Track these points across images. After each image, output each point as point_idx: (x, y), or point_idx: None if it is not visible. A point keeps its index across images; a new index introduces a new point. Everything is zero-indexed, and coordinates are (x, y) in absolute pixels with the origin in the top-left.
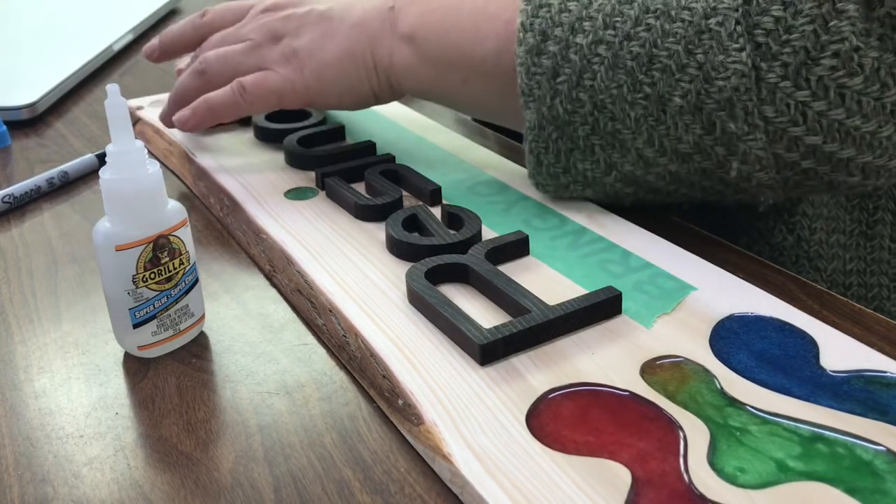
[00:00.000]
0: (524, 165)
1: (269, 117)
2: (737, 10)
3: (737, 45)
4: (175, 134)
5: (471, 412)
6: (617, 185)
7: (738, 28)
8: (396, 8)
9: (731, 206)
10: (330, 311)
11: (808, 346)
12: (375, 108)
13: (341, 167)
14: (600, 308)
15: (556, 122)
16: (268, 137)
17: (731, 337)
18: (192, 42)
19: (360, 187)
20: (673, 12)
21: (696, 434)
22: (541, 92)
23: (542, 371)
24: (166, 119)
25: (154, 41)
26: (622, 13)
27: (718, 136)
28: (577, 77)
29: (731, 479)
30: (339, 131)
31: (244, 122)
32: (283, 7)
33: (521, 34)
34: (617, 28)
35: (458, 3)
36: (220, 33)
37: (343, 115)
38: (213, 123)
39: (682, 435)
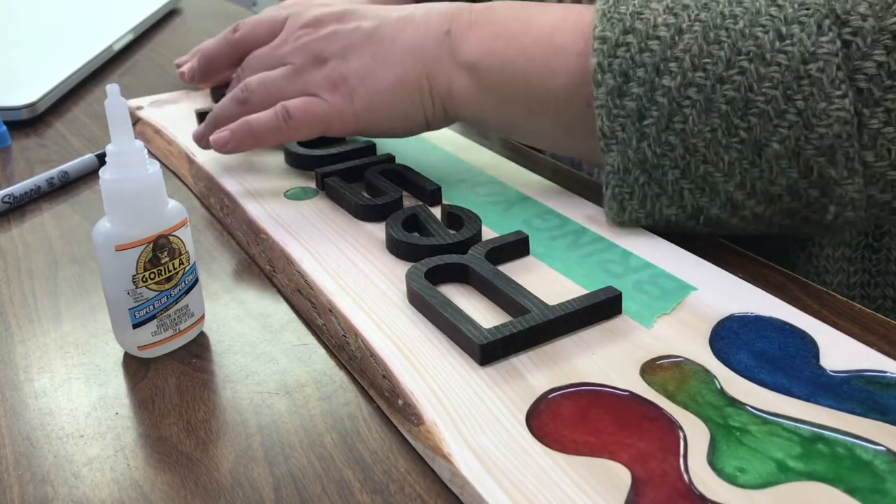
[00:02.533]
0: (524, 165)
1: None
2: (837, 55)
3: (839, 92)
4: (175, 134)
5: (471, 412)
6: (698, 228)
7: (840, 74)
8: (454, 33)
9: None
10: (330, 311)
11: (808, 346)
12: None
13: (341, 167)
14: (600, 308)
15: (643, 166)
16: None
17: (731, 337)
18: (230, 60)
19: (360, 187)
20: (767, 55)
21: (696, 434)
22: (625, 135)
23: (542, 371)
24: (202, 139)
25: (191, 64)
26: (711, 54)
27: (815, 179)
28: (666, 120)
29: (731, 479)
30: None
31: None
32: (324, 23)
33: (599, 75)
34: (707, 70)
35: (520, 30)
36: (259, 54)
37: None
38: (253, 147)
39: (682, 435)
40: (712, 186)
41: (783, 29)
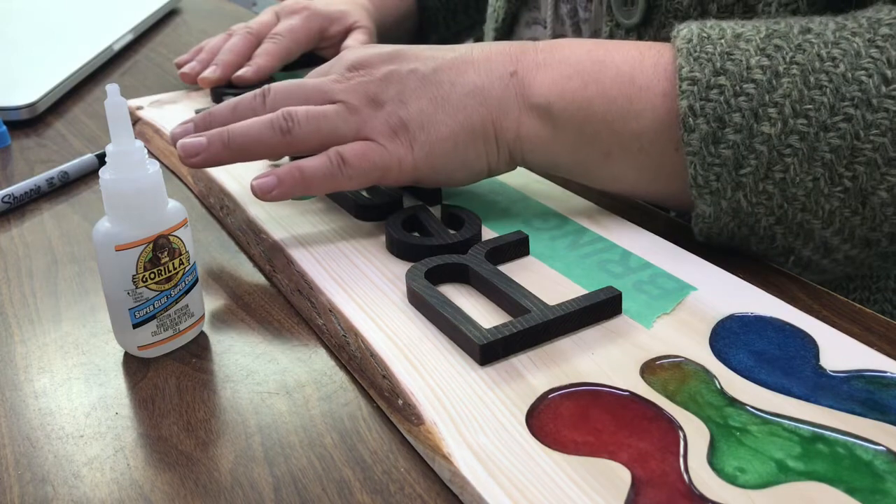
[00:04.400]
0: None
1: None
2: None
3: None
4: None
5: (471, 412)
6: (785, 266)
7: None
8: (521, 73)
9: None
10: (330, 311)
11: (808, 346)
12: None
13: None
14: (600, 308)
15: (736, 214)
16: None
17: (731, 337)
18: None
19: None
20: (874, 101)
21: (696, 434)
22: (720, 184)
23: (542, 371)
24: (181, 138)
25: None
26: (813, 100)
27: None
28: (765, 169)
29: (731, 479)
30: None
31: None
32: (375, 64)
33: (691, 119)
34: (810, 117)
35: (595, 70)
36: (302, 84)
37: None
38: (300, 195)
39: (682, 435)
40: (808, 233)
41: (888, 73)
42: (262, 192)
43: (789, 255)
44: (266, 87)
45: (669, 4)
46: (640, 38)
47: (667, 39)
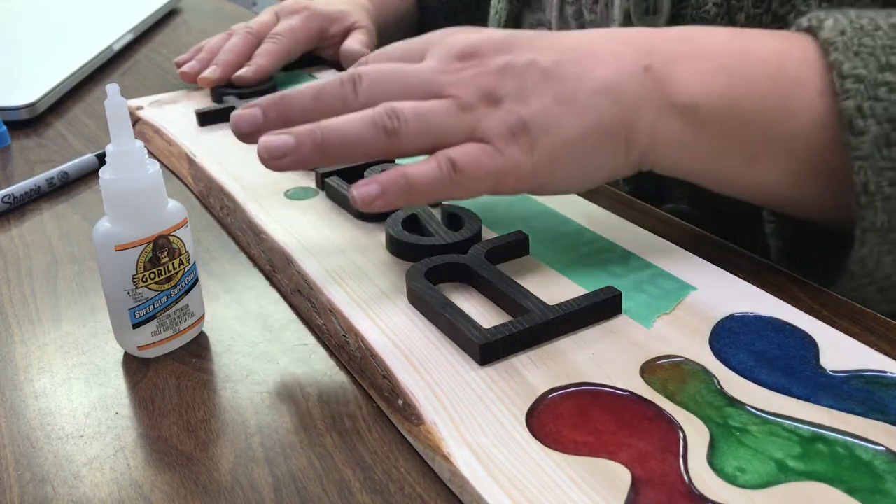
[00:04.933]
0: None
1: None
2: None
3: None
4: (175, 134)
5: (471, 412)
6: None
7: None
8: (656, 68)
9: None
10: (330, 311)
11: (808, 346)
12: None
13: (341, 167)
14: (600, 308)
15: None
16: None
17: (731, 337)
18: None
19: None
20: None
21: (695, 434)
22: (893, 190)
23: (542, 371)
24: (298, 156)
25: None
26: None
27: None
28: None
29: (731, 479)
30: None
31: None
32: (486, 54)
33: (860, 120)
34: None
35: (739, 63)
36: (401, 72)
37: None
38: (408, 205)
39: (681, 435)
40: None
41: None
42: (364, 203)
43: None
44: (356, 71)
45: (696, 14)
46: None
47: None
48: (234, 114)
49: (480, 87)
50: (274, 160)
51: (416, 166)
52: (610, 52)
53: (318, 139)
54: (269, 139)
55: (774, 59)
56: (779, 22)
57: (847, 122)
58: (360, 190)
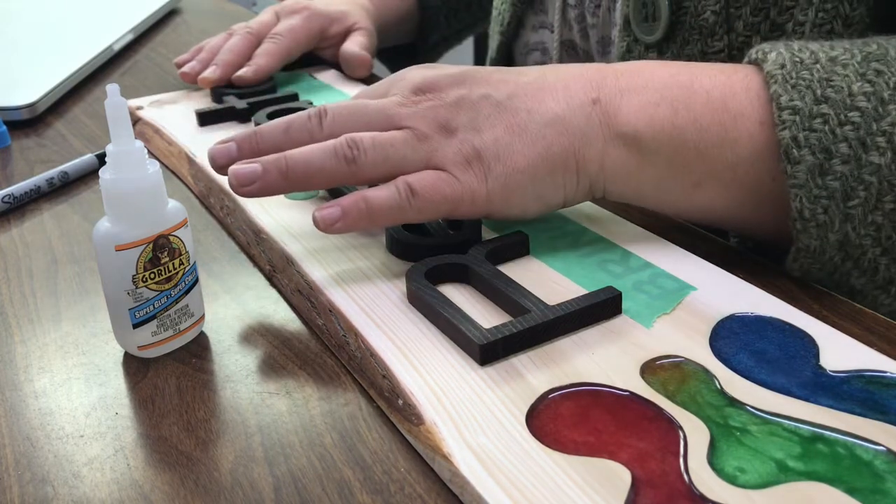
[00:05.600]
0: None
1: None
2: None
3: None
4: (175, 134)
5: (471, 412)
6: (881, 298)
7: None
8: (604, 101)
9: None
10: (330, 311)
11: (808, 346)
12: None
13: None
14: (600, 308)
15: (842, 247)
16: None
17: (731, 337)
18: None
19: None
20: None
21: (696, 434)
22: (827, 217)
23: (542, 371)
24: (223, 160)
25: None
26: None
27: None
28: (874, 200)
29: (731, 479)
30: None
31: (244, 120)
32: (443, 88)
33: (795, 150)
34: None
35: (684, 95)
36: (363, 107)
37: None
38: (367, 229)
39: (682, 435)
40: None
41: None
42: (326, 225)
43: (890, 287)
44: (322, 107)
45: (694, 21)
46: (661, 55)
47: (690, 57)
48: (210, 148)
49: (436, 118)
50: (242, 187)
51: (375, 190)
52: (562, 87)
53: (283, 167)
54: (238, 167)
55: (717, 91)
56: (777, 30)
57: (784, 151)
58: (323, 213)
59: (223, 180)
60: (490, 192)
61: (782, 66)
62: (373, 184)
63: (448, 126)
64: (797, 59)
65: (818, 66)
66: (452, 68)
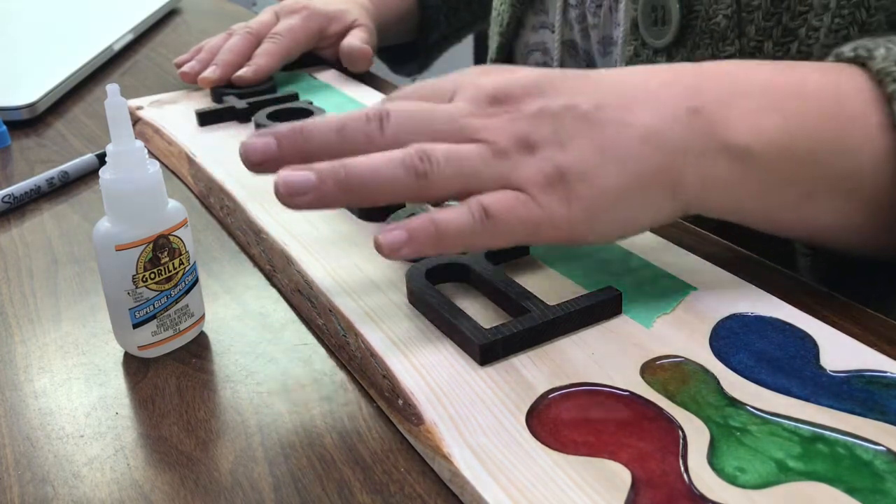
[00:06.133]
0: None
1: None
2: None
3: None
4: (175, 134)
5: (471, 412)
6: None
7: None
8: (707, 111)
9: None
10: (330, 311)
11: (808, 346)
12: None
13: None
14: (600, 308)
15: None
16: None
17: (731, 337)
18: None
19: None
20: None
21: (696, 434)
22: None
23: (542, 371)
24: (320, 194)
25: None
26: None
27: None
28: None
29: (731, 479)
30: None
31: (244, 120)
32: (518, 97)
33: None
34: None
35: (792, 99)
36: (430, 112)
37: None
38: (434, 254)
39: (682, 435)
40: None
41: None
42: (391, 251)
43: None
44: (383, 108)
45: (705, 25)
46: (671, 59)
47: (701, 60)
48: (244, 141)
49: (515, 132)
50: (294, 197)
51: (446, 212)
52: (654, 95)
53: (343, 178)
54: (289, 175)
55: (826, 94)
56: (789, 35)
57: None
58: (387, 236)
59: (223, 180)
60: (573, 215)
61: (886, 60)
62: (438, 202)
63: (528, 141)
64: None
65: None
66: (523, 72)
